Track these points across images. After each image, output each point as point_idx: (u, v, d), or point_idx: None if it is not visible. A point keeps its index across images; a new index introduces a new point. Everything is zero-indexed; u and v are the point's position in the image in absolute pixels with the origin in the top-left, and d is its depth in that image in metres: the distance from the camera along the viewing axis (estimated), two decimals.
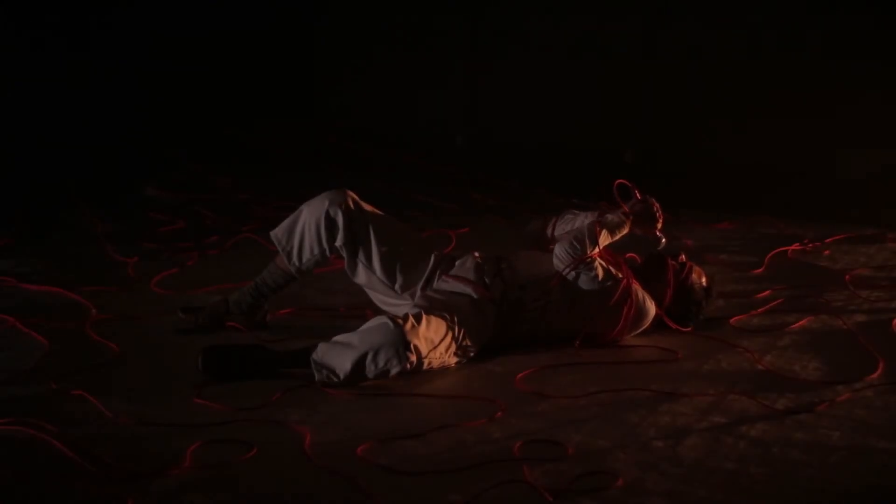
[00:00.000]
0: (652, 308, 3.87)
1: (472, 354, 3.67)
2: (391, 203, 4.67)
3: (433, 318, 3.54)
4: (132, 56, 7.75)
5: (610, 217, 3.84)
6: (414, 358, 3.45)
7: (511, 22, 7.75)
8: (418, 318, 3.50)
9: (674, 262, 3.95)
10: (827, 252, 5.20)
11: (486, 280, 3.75)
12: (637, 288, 3.83)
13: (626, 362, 3.74)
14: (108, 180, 6.73)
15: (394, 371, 3.44)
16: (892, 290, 4.58)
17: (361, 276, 3.87)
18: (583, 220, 3.89)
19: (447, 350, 3.57)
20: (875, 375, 3.58)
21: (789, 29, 6.80)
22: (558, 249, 3.80)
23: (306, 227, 3.82)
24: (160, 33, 7.81)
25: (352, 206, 3.81)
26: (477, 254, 3.87)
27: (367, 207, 3.86)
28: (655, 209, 3.87)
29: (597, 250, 3.79)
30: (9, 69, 7.33)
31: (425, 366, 3.51)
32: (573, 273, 3.77)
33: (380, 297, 3.89)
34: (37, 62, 7.50)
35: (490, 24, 7.85)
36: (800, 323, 4.13)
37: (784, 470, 2.94)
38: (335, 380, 3.43)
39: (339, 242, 3.81)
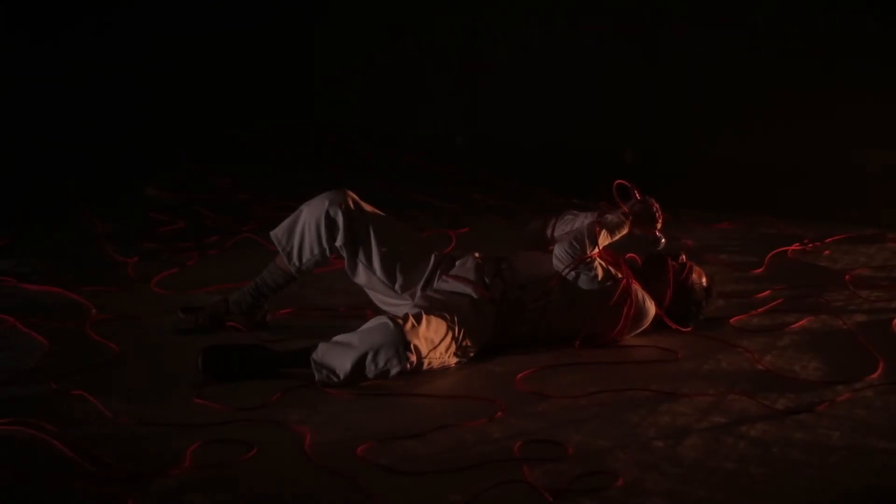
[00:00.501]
0: (652, 308, 3.87)
1: (472, 354, 3.67)
2: (391, 203, 4.67)
3: (433, 318, 3.54)
4: (132, 56, 7.75)
5: (609, 217, 3.84)
6: (414, 358, 3.45)
7: (511, 22, 7.75)
8: (418, 318, 3.50)
9: (674, 263, 3.95)
10: (827, 252, 5.20)
11: (486, 280, 3.75)
12: (637, 288, 3.83)
13: (626, 362, 3.74)
14: (108, 180, 6.73)
15: (394, 371, 3.44)
16: (892, 290, 4.58)
17: (361, 277, 3.87)
18: (582, 220, 3.89)
19: (447, 350, 3.57)
20: (875, 375, 3.58)
21: (789, 29, 6.80)
22: (558, 250, 3.80)
23: (306, 227, 3.82)
24: (160, 33, 7.81)
25: (352, 206, 3.81)
26: (477, 254, 3.87)
27: (368, 207, 3.86)
28: (655, 209, 3.87)
29: (596, 250, 3.79)
30: (9, 69, 7.34)
31: (425, 366, 3.51)
32: (573, 273, 3.77)
33: (380, 298, 3.89)
34: (37, 62, 7.50)
35: (490, 24, 7.85)
36: (800, 323, 4.13)
37: (784, 470, 2.94)
38: (335, 380, 3.43)
39: (339, 242, 3.81)
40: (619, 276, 3.81)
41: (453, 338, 3.58)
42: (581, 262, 3.77)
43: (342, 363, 3.42)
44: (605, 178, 3.95)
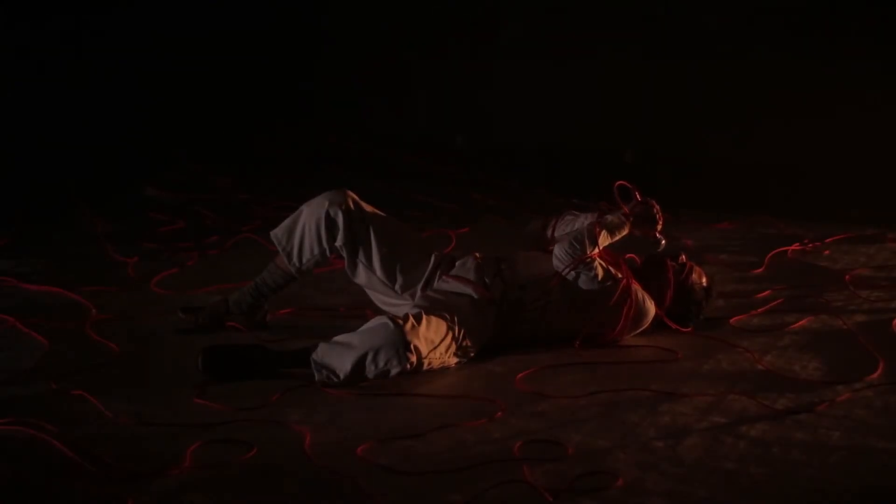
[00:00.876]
0: (651, 308, 3.87)
1: (472, 354, 3.67)
2: (391, 203, 4.67)
3: (433, 319, 3.54)
4: (132, 56, 7.75)
5: (610, 218, 3.84)
6: (414, 358, 3.45)
7: (511, 21, 7.75)
8: (418, 319, 3.50)
9: (673, 263, 3.95)
10: (827, 252, 5.20)
11: (487, 280, 3.75)
12: (637, 288, 3.83)
13: (626, 362, 3.74)
14: (108, 180, 6.73)
15: (394, 371, 3.45)
16: (892, 290, 4.58)
17: (361, 277, 3.87)
18: (583, 221, 3.90)
19: (447, 350, 3.57)
20: (875, 375, 3.58)
21: (789, 28, 6.80)
22: (558, 250, 3.80)
23: (306, 227, 3.82)
24: (160, 33, 7.80)
25: (352, 206, 3.81)
26: (477, 254, 3.87)
27: (368, 208, 3.87)
28: (655, 211, 3.87)
29: (596, 251, 3.79)
30: (9, 69, 7.33)
31: (425, 366, 3.51)
32: (573, 273, 3.78)
33: (380, 298, 3.90)
34: (37, 62, 7.49)
35: (490, 23, 7.85)
36: (800, 323, 4.13)
37: (784, 470, 2.94)
38: (335, 380, 3.43)
39: (339, 242, 3.81)
40: (619, 276, 3.81)
41: (453, 338, 3.58)
42: (581, 262, 3.77)
43: (342, 363, 3.42)
44: (605, 178, 3.95)
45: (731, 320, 4.15)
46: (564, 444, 3.05)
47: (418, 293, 3.80)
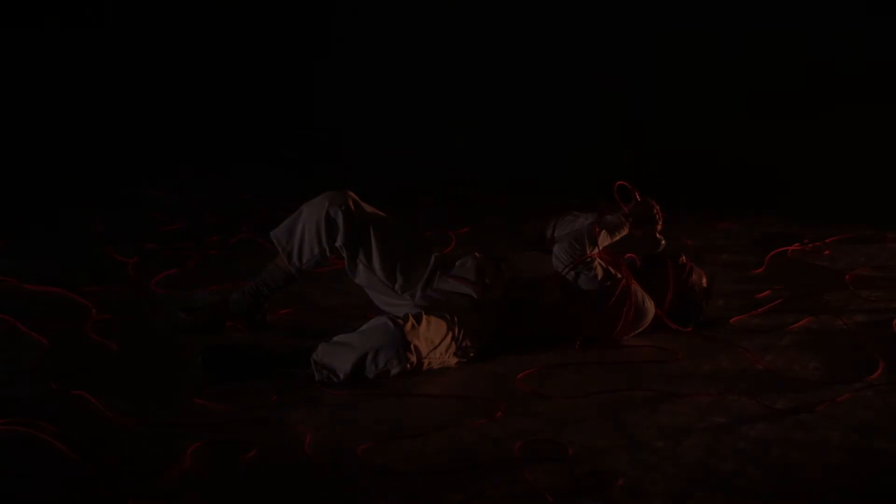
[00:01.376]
0: (651, 308, 3.87)
1: (472, 354, 3.67)
2: (391, 203, 4.66)
3: (433, 319, 3.54)
4: (132, 56, 7.74)
5: (609, 218, 3.84)
6: (414, 358, 3.45)
7: (511, 20, 7.74)
8: (418, 319, 3.50)
9: (673, 263, 3.95)
10: (827, 252, 5.20)
11: (487, 280, 3.75)
12: (637, 288, 3.83)
13: (626, 362, 3.74)
14: (108, 180, 6.73)
15: (394, 371, 3.45)
16: (892, 290, 4.58)
17: (361, 277, 3.87)
18: (582, 221, 3.90)
19: (447, 350, 3.57)
20: (875, 375, 3.58)
21: (789, 28, 6.80)
22: (557, 250, 3.80)
23: (306, 227, 3.82)
24: (160, 33, 7.80)
25: (352, 206, 3.82)
26: (477, 254, 3.87)
27: (368, 208, 3.87)
28: (655, 211, 3.87)
29: (596, 251, 3.80)
30: (9, 68, 7.33)
31: (425, 366, 3.52)
32: (572, 273, 3.78)
33: (380, 298, 3.90)
34: (37, 61, 7.49)
35: (490, 22, 7.84)
36: (800, 323, 4.12)
37: (784, 470, 2.94)
38: (335, 380, 3.43)
39: (339, 243, 3.81)
40: (619, 276, 3.81)
41: (453, 338, 3.58)
42: (581, 262, 3.77)
43: (342, 363, 3.42)
44: (605, 178, 3.95)
45: (731, 320, 4.15)
46: (564, 444, 3.05)
47: (418, 293, 3.81)
